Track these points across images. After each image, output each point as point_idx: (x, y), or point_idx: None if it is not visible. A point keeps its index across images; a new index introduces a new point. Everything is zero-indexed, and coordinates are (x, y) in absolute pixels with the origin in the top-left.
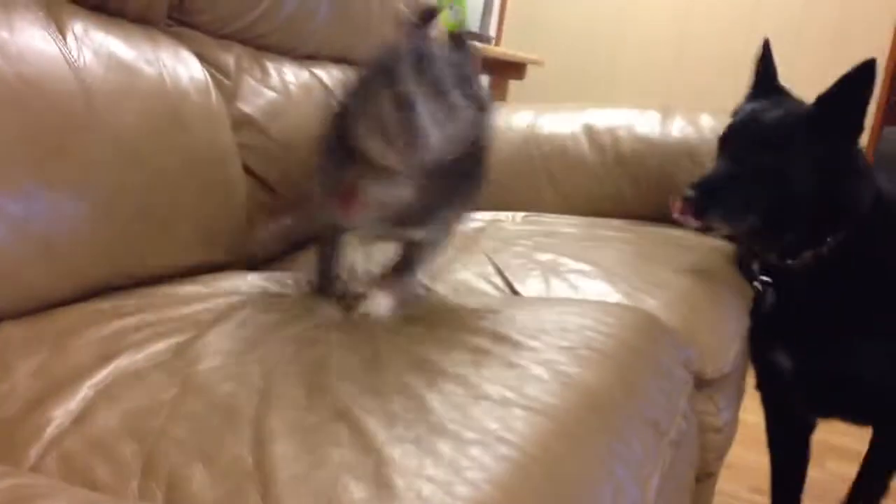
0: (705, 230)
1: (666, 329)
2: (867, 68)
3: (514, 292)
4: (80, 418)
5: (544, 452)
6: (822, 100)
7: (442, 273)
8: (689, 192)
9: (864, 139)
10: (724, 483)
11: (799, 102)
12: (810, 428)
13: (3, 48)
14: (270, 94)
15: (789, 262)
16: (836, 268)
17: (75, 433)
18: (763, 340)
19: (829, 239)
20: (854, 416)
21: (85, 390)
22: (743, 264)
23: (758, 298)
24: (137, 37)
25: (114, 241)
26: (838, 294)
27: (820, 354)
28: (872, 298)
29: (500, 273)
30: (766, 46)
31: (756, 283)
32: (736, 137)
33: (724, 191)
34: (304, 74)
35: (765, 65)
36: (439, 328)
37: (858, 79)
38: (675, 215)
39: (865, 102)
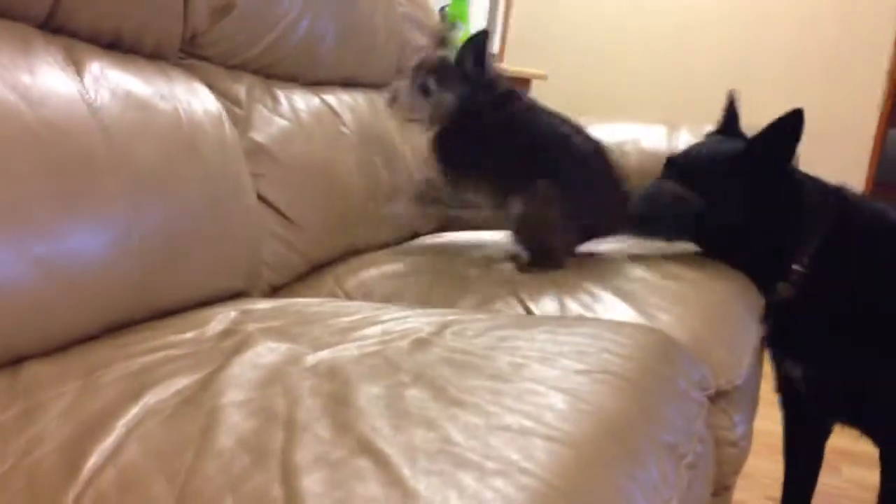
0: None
1: (681, 349)
2: (795, 116)
3: (529, 312)
4: (113, 458)
5: (565, 482)
6: (752, 142)
7: (455, 295)
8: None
9: (867, 144)
10: (739, 492)
11: (738, 140)
12: (826, 433)
13: (25, 93)
14: (282, 122)
15: (773, 289)
16: (812, 294)
17: (109, 473)
18: (775, 349)
19: (794, 267)
20: (865, 425)
21: (118, 429)
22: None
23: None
24: (152, 72)
25: (136, 274)
26: (821, 316)
27: (825, 366)
28: (850, 318)
29: (515, 294)
30: (732, 99)
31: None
32: (679, 163)
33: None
34: (314, 100)
35: (730, 112)
36: (457, 353)
37: (787, 125)
38: None
39: (793, 147)
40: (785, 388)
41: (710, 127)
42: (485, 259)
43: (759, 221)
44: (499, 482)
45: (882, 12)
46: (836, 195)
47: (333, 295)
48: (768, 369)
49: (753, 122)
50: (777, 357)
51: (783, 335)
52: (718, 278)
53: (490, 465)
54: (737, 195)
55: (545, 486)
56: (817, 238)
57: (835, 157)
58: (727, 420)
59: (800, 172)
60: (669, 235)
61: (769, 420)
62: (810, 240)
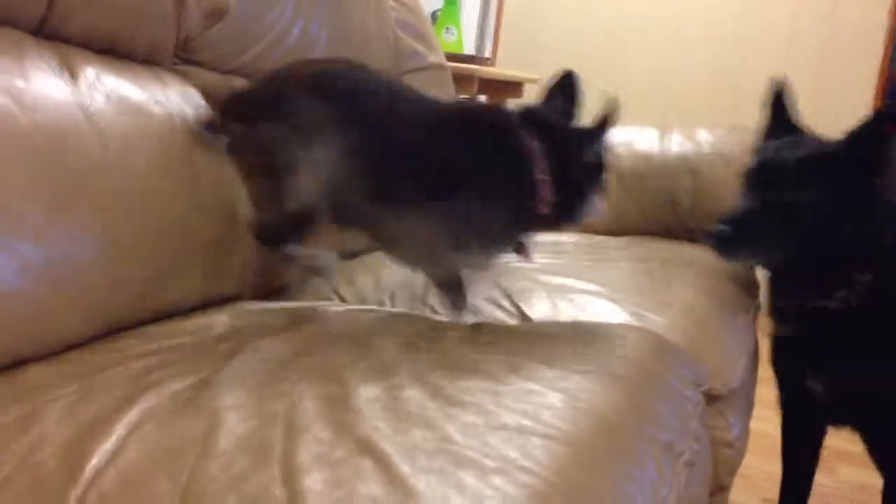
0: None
1: (675, 350)
2: (879, 120)
3: (523, 315)
4: (115, 459)
5: (563, 480)
6: (849, 138)
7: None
8: (716, 228)
9: None
10: (737, 494)
11: (821, 139)
12: (824, 434)
13: (19, 97)
14: None
15: (823, 303)
16: (869, 307)
17: (111, 473)
18: (792, 366)
19: (857, 277)
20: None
21: (118, 431)
22: (772, 302)
23: (782, 332)
24: (146, 78)
25: (131, 278)
26: (873, 332)
27: (856, 381)
28: None
29: (508, 297)
30: (780, 87)
31: (784, 324)
32: (761, 175)
33: (749, 228)
34: None
35: (780, 103)
36: (454, 355)
37: (889, 116)
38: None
39: (880, 150)
40: (791, 394)
41: (703, 130)
42: None
43: (845, 229)
44: (498, 480)
45: (874, 8)
46: None
47: (329, 298)
48: (764, 374)
49: (751, 121)
50: (795, 368)
51: (810, 353)
52: (711, 280)
53: (489, 463)
54: (836, 204)
55: (544, 484)
56: (890, 245)
57: None
58: (723, 421)
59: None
60: (758, 258)
61: (765, 422)
62: (882, 247)
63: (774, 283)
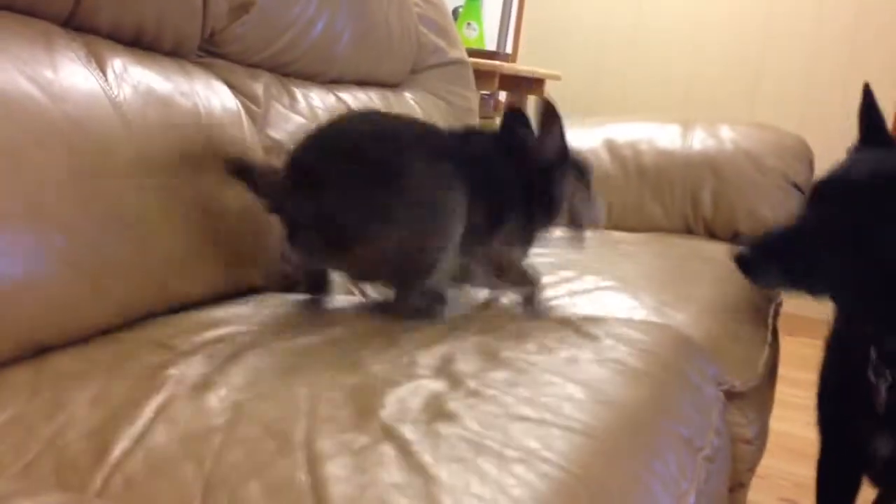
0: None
1: (696, 346)
2: None
3: None
4: (141, 443)
5: (585, 471)
6: None
7: (468, 293)
8: (742, 249)
9: None
10: (754, 493)
11: None
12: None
13: (47, 88)
14: (299, 120)
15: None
16: None
17: (137, 457)
18: (852, 420)
19: None
20: None
21: (144, 416)
22: (850, 348)
23: (867, 391)
24: (172, 70)
25: (156, 268)
26: None
27: None
28: None
29: None
30: (868, 94)
31: (870, 375)
32: (822, 191)
33: (785, 251)
34: (331, 98)
35: (869, 114)
36: (471, 348)
37: None
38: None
39: None
40: (839, 449)
41: (726, 127)
42: None
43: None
44: (520, 469)
45: None
46: None
47: (351, 293)
48: (783, 373)
49: (767, 121)
50: (857, 423)
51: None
52: (731, 277)
53: (510, 453)
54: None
55: (566, 475)
56: None
57: None
58: (742, 418)
59: None
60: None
61: (784, 421)
62: None
63: (844, 319)
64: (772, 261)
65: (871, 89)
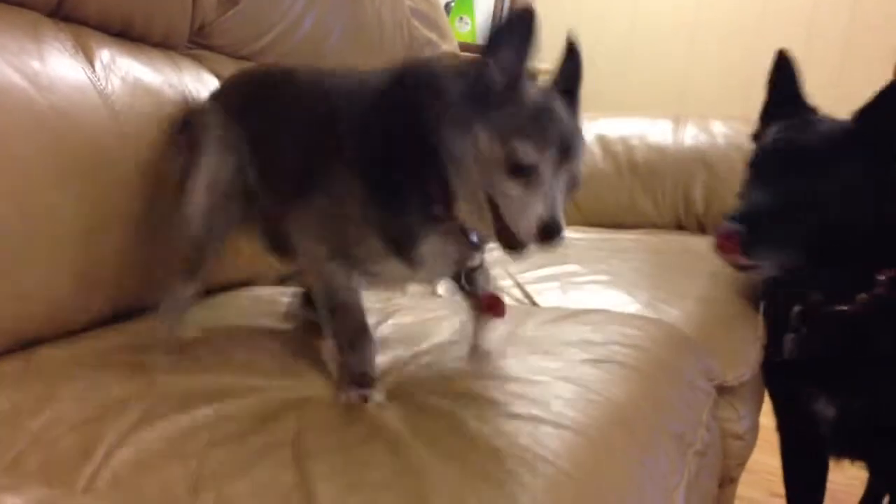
0: (746, 269)
1: (688, 340)
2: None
3: (534, 304)
4: (128, 439)
5: (576, 468)
6: (864, 114)
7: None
8: (734, 226)
9: None
10: (744, 488)
11: (832, 119)
12: (826, 465)
13: (35, 79)
14: None
15: (841, 307)
16: (891, 310)
17: (124, 453)
18: (797, 387)
19: (881, 277)
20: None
21: (131, 412)
22: (773, 309)
23: (780, 345)
24: (161, 61)
25: (145, 261)
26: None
27: (871, 403)
28: None
29: (519, 286)
30: (783, 58)
31: (790, 334)
32: (771, 163)
33: (770, 223)
34: None
35: (783, 79)
36: (462, 343)
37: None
38: (719, 252)
39: None
40: (792, 421)
41: (718, 122)
42: None
43: (866, 220)
44: (511, 466)
45: (893, 4)
46: None
47: None
48: None
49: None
50: (800, 390)
51: (819, 370)
52: (724, 272)
53: (503, 450)
54: (859, 191)
55: (558, 473)
56: None
57: None
58: (733, 413)
59: None
60: (779, 261)
61: (773, 417)
62: None
63: (776, 287)
64: (767, 236)
65: (786, 57)
